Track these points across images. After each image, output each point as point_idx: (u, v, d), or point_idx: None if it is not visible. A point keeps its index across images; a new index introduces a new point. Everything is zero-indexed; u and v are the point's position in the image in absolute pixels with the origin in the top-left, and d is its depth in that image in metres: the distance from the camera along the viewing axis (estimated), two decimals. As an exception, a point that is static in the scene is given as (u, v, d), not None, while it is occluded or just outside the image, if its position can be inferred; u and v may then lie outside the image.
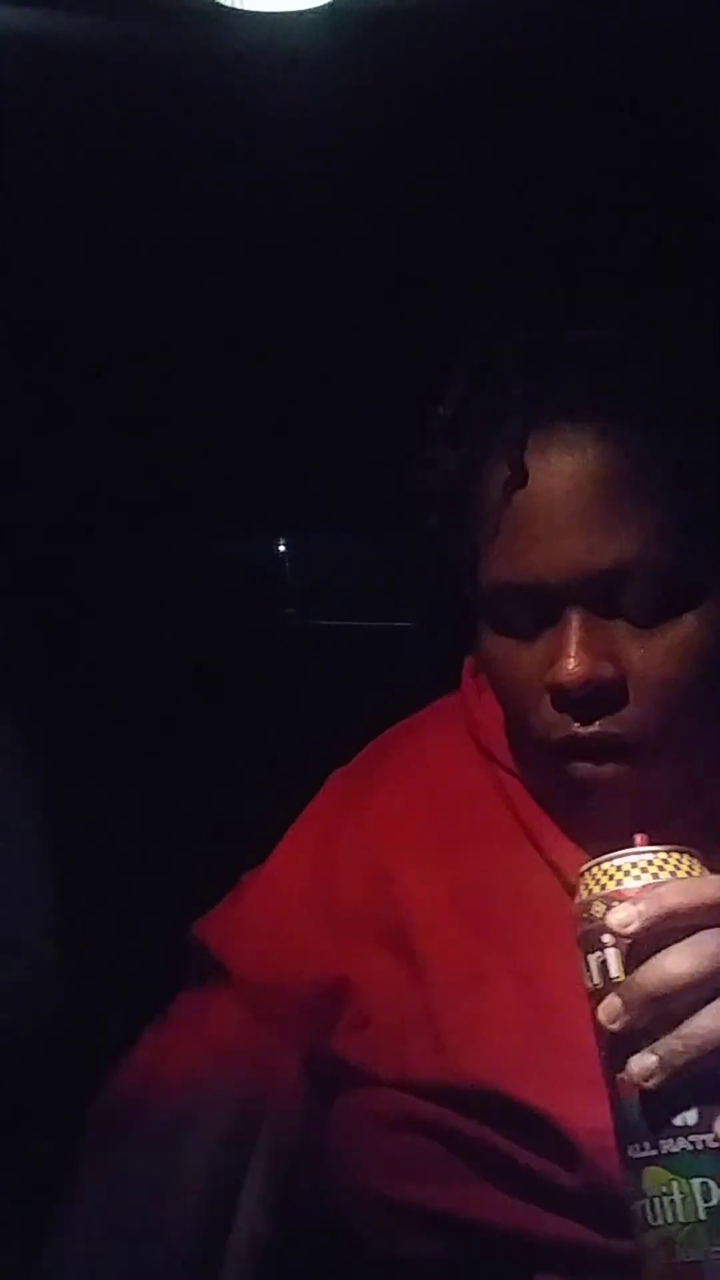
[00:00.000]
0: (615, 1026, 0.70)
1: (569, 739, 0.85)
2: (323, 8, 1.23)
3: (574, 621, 0.83)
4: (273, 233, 1.58)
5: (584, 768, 0.85)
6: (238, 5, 1.22)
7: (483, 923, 0.91)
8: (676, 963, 0.69)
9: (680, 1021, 0.69)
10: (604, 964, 0.72)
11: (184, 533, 2.00)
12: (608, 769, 0.85)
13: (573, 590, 0.83)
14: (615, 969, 0.71)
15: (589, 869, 0.74)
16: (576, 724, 0.84)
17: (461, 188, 1.53)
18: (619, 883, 0.72)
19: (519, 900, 0.91)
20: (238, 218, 1.57)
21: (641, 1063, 0.69)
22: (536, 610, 0.85)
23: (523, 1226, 0.82)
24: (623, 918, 0.71)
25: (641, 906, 0.71)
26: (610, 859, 0.74)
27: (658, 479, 0.84)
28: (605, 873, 0.73)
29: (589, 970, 0.73)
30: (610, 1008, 0.71)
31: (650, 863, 0.73)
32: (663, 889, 0.71)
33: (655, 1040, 0.70)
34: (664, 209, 1.48)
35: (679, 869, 0.73)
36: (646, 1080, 0.69)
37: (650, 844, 0.74)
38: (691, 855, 0.74)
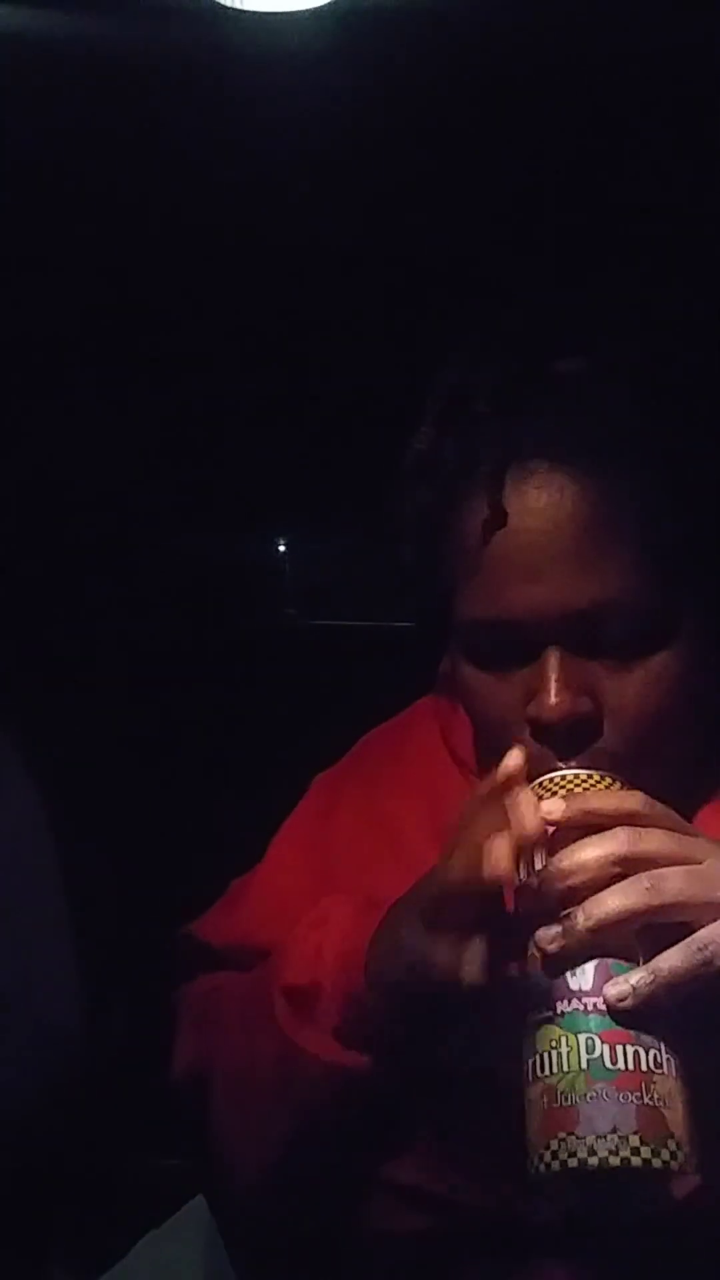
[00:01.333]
0: (530, 903, 0.76)
1: (549, 771, 0.86)
2: (323, 8, 1.23)
3: (553, 658, 0.84)
4: (274, 232, 1.58)
5: None
6: (238, 5, 1.23)
7: None
8: (589, 848, 0.75)
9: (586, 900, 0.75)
10: (531, 861, 0.78)
11: (184, 533, 2.00)
12: None
13: (551, 629, 0.84)
14: (539, 861, 0.78)
15: (532, 785, 0.81)
16: (556, 757, 0.86)
17: (460, 187, 1.53)
18: (552, 794, 0.80)
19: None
20: (238, 218, 1.58)
21: (547, 931, 0.75)
22: (514, 646, 0.86)
23: (517, 1208, 0.83)
24: (550, 806, 0.77)
25: (567, 801, 0.78)
26: (550, 775, 0.81)
27: (634, 519, 0.84)
28: (543, 786, 0.81)
29: (518, 870, 0.79)
30: (527, 887, 0.77)
31: (580, 779, 0.81)
32: (589, 793, 0.79)
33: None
34: (662, 218, 1.48)
35: (603, 785, 0.81)
36: (550, 944, 0.75)
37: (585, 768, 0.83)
38: (616, 779, 0.81)
